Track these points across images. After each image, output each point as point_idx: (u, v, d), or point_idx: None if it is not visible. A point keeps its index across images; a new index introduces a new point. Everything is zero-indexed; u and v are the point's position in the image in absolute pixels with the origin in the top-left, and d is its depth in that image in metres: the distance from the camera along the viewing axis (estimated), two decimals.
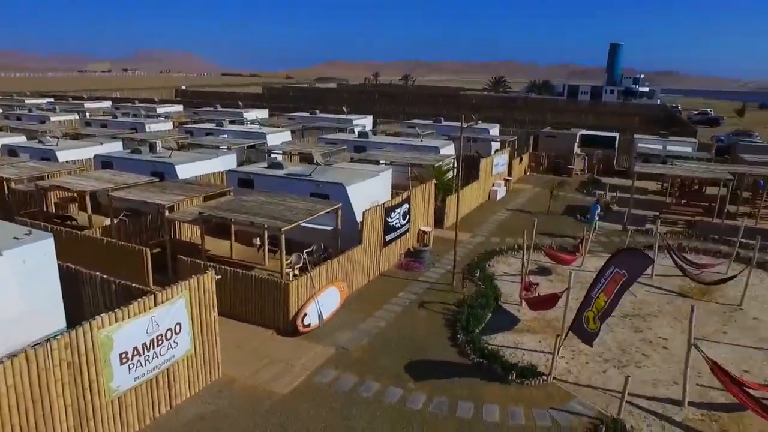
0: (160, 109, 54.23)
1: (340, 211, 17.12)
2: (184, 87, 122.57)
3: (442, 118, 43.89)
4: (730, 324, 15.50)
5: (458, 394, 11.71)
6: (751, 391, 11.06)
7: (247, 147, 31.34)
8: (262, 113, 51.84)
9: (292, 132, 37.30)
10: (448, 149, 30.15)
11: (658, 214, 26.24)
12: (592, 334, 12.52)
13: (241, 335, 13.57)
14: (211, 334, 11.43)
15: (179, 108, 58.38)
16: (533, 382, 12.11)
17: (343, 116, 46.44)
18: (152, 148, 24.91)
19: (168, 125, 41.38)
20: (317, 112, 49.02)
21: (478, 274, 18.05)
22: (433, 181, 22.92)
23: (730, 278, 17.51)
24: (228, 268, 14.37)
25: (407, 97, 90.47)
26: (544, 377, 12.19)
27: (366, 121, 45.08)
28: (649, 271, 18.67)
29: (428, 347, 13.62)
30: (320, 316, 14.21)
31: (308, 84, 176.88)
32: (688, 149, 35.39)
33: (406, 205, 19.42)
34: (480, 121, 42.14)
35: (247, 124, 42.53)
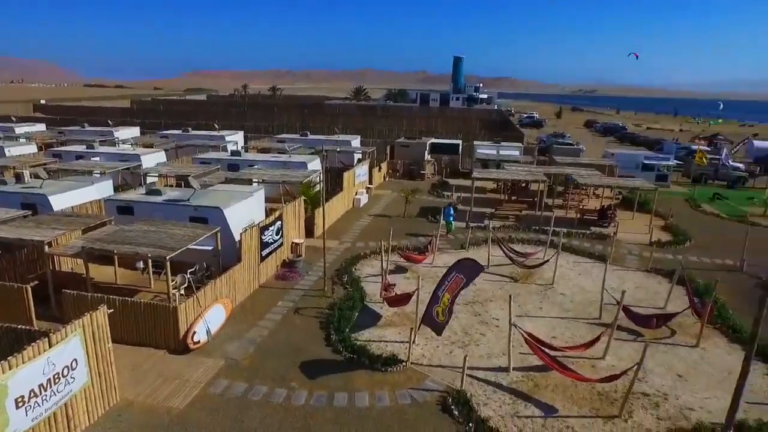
0: (19, 129, 48.39)
1: (219, 234, 17.57)
2: (43, 101, 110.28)
3: (308, 132, 44.76)
4: (545, 300, 18.36)
5: (334, 387, 12.96)
6: (554, 353, 13.62)
7: (122, 170, 29.91)
8: (134, 131, 49.00)
9: (166, 151, 36.11)
10: (315, 164, 31.18)
11: (493, 211, 29.55)
12: (441, 325, 14.43)
13: (136, 358, 13.69)
14: (107, 363, 11.57)
15: (41, 127, 52.51)
16: (395, 368, 13.71)
17: (215, 132, 45.48)
18: (19, 178, 23.15)
19: (31, 148, 37.84)
20: (190, 129, 47.40)
21: (346, 278, 19.41)
22: (302, 197, 23.91)
23: (545, 262, 20.54)
24: (117, 297, 14.31)
25: (276, 109, 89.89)
26: (404, 363, 13.85)
27: (238, 137, 44.60)
28: (485, 261, 21.36)
29: (306, 349, 14.71)
30: (208, 332, 14.70)
31: (177, 96, 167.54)
32: (516, 153, 39.72)
33: (279, 222, 20.25)
34: (340, 132, 43.86)
35: (119, 144, 40.26)
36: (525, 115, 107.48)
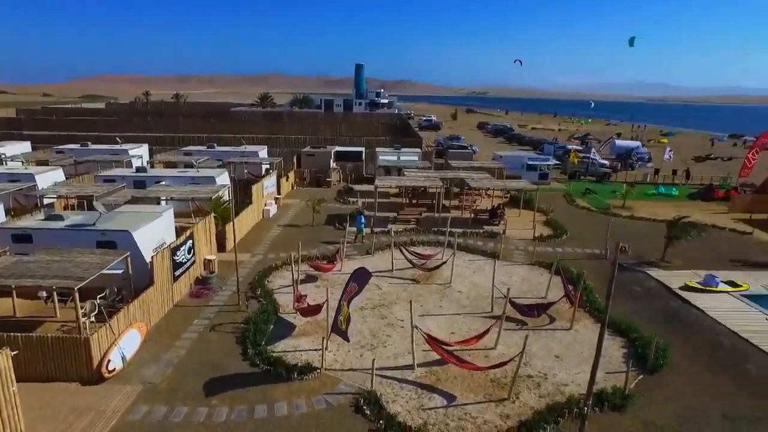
0: None
1: (129, 258, 16.97)
2: None
3: (215, 144, 43.56)
4: (444, 299, 19.58)
5: (254, 400, 13.16)
6: (451, 348, 14.73)
7: (13, 192, 26.50)
8: (23, 146, 44.89)
9: (63, 168, 33.45)
10: (224, 178, 30.58)
11: (396, 215, 30.65)
12: (345, 333, 15.05)
13: (45, 395, 12.97)
14: (11, 408, 10.89)
15: None
16: (310, 376, 14.15)
17: (118, 146, 42.74)
18: None
19: None
20: (89, 143, 44.13)
21: (259, 291, 19.45)
22: (213, 214, 23.49)
23: (442, 264, 21.82)
24: (19, 334, 13.44)
25: (181, 117, 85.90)
26: (318, 370, 14.33)
27: (142, 151, 42.30)
28: (390, 266, 22.31)
29: (225, 365, 14.72)
30: (123, 359, 14.27)
31: (72, 104, 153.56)
32: (415, 158, 41.30)
33: (190, 241, 19.86)
34: (247, 144, 43.12)
35: (6, 163, 36.73)
36: (424, 119, 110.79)
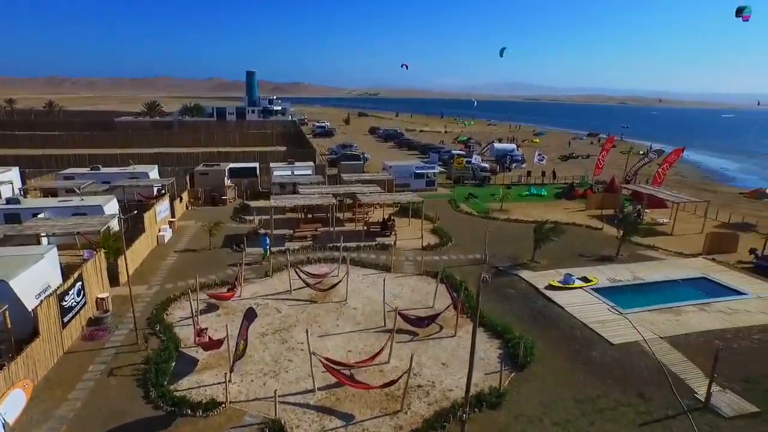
0: None
1: (7, 312, 15.79)
2: None
3: (100, 166, 40.76)
4: (341, 317, 20.46)
5: None
6: (348, 368, 15.69)
7: None
8: None
9: None
10: (112, 205, 28.91)
11: (292, 232, 30.96)
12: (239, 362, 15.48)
13: None
14: None
15: None
16: (216, 411, 14.34)
17: None
18: None
19: None
20: None
21: (158, 327, 18.95)
22: (103, 250, 22.27)
23: (338, 283, 22.65)
24: None
25: (57, 132, 78.15)
26: (223, 405, 14.56)
27: (12, 176, 38.04)
28: (288, 287, 22.80)
29: (126, 411, 14.37)
30: (5, 425, 13.32)
31: None
32: (309, 172, 41.79)
33: (79, 283, 18.87)
34: (136, 164, 40.94)
35: None
36: (317, 125, 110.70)
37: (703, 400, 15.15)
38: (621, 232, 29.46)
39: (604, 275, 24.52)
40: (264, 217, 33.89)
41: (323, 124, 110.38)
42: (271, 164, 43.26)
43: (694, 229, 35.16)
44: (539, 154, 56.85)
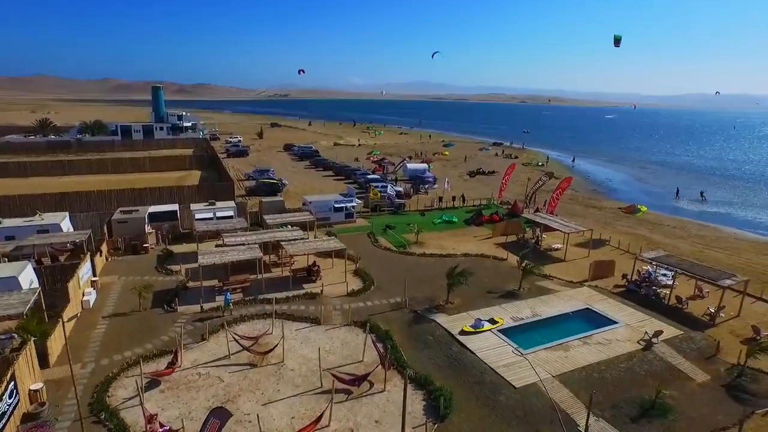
0: None
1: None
2: None
3: (1, 219, 38.29)
4: (280, 381, 22.15)
5: None
6: None
7: None
8: None
9: None
10: (27, 273, 27.62)
11: (221, 285, 31.73)
12: None
13: None
14: None
15: None
16: None
17: None
18: None
19: None
20: None
21: (103, 414, 19.16)
22: (31, 339, 21.50)
23: (275, 346, 24.09)
24: None
25: None
26: None
27: None
28: (226, 352, 24.06)
29: None
30: None
31: None
32: (230, 213, 42.42)
33: (12, 384, 18.45)
34: (42, 213, 39.12)
35: None
36: (230, 142, 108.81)
37: (582, 430, 18.84)
38: (523, 263, 33.55)
39: (508, 314, 28.24)
40: (190, 265, 34.29)
41: (237, 142, 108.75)
42: (192, 207, 43.28)
43: (583, 252, 40.54)
44: (448, 181, 61.18)
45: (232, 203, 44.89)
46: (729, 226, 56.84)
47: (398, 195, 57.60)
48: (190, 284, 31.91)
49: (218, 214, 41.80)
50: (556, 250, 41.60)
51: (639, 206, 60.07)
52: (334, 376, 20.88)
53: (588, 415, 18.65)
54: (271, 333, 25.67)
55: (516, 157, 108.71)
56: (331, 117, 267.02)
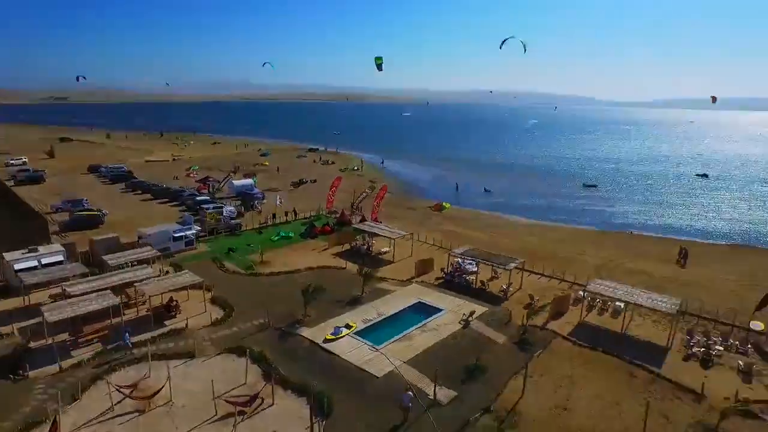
0: None
1: None
2: None
3: None
4: (175, 419, 23.82)
5: None
6: None
7: None
8: None
9: None
10: None
11: (74, 339, 30.66)
12: None
13: None
14: None
15: None
16: None
17: None
18: None
19: None
20: None
21: None
22: None
23: (161, 388, 25.06)
24: None
25: None
26: None
27: None
28: (107, 406, 24.69)
29: None
30: None
31: None
32: (60, 258, 39.74)
33: None
34: None
35: None
36: (14, 167, 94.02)
37: (432, 398, 25.12)
38: (363, 271, 39.32)
39: (359, 318, 33.66)
40: (26, 323, 32.24)
41: (23, 165, 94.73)
42: (6, 257, 39.11)
43: (407, 252, 48.25)
44: (279, 198, 64.63)
45: (59, 246, 41.91)
46: (509, 214, 71.67)
47: (232, 218, 59.01)
48: (32, 344, 30.27)
49: (44, 261, 38.99)
50: (386, 253, 48.67)
51: (444, 204, 71.65)
52: (227, 401, 23.63)
53: (435, 386, 24.93)
54: (149, 376, 26.83)
55: (333, 163, 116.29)
56: (130, 125, 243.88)
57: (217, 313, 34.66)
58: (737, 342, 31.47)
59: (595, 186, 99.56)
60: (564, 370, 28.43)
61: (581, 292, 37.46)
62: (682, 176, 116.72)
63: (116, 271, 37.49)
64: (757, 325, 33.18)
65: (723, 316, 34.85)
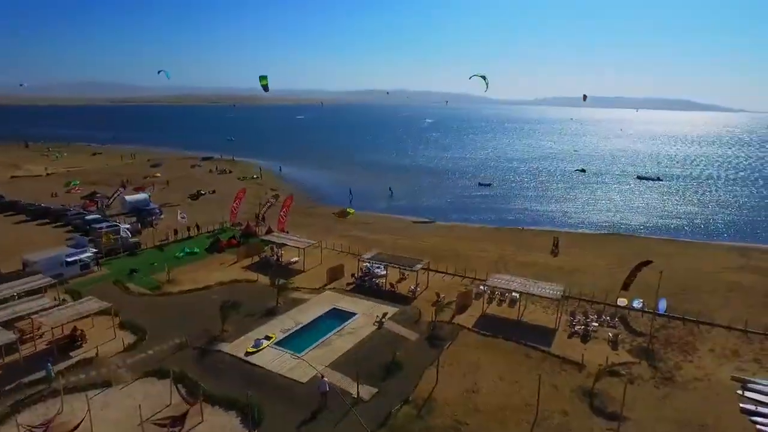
0: None
1: None
2: None
3: None
4: None
5: None
6: None
7: None
8: None
9: None
10: None
11: None
12: None
13: None
14: None
15: None
16: None
17: None
18: None
19: None
20: None
21: None
22: None
23: (80, 422, 25.10)
24: None
25: None
26: None
27: None
28: None
29: None
30: None
31: None
32: None
33: None
34: None
35: None
36: None
37: (356, 396, 27.78)
38: (276, 282, 40.94)
39: (277, 328, 35.37)
40: None
41: None
42: None
43: (317, 260, 50.45)
44: (181, 213, 63.53)
45: None
46: (409, 216, 76.40)
47: (131, 236, 57.17)
48: None
49: None
50: (296, 263, 50.48)
51: (348, 209, 74.63)
52: (155, 424, 24.43)
53: (357, 385, 27.58)
54: (62, 411, 26.57)
55: (230, 172, 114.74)
56: None
57: (128, 337, 34.44)
58: (608, 318, 37.77)
59: (489, 185, 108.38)
60: (471, 358, 32.48)
61: (482, 287, 42.26)
62: (564, 172, 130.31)
63: (3, 305, 35.54)
64: (622, 301, 39.93)
65: (598, 297, 41.32)
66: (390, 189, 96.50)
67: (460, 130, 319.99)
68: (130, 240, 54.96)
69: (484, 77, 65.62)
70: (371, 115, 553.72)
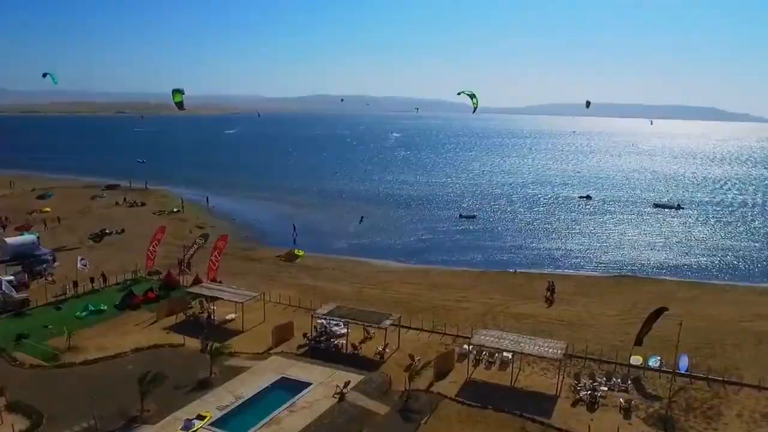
0: None
1: None
2: None
3: None
4: None
5: None
6: None
7: None
8: None
9: None
10: None
11: None
12: None
13: None
14: None
15: None
16: None
17: None
18: None
19: None
20: None
21: None
22: None
23: None
24: None
25: None
26: None
27: None
28: None
29: None
30: None
31: None
32: None
33: None
34: None
35: None
36: None
37: None
38: (208, 346, 41.87)
39: (212, 405, 36.29)
40: None
41: None
42: None
43: (259, 317, 51.54)
44: (82, 260, 63.65)
45: None
46: (378, 259, 78.46)
47: (16, 290, 56.90)
48: None
49: None
50: (232, 321, 51.45)
51: (296, 251, 76.21)
52: None
53: None
54: None
55: (143, 204, 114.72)
56: None
57: (19, 423, 34.66)
58: (619, 380, 40.22)
59: (473, 217, 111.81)
60: None
61: (466, 346, 44.23)
62: (566, 200, 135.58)
63: None
64: (636, 359, 42.55)
65: (606, 355, 43.86)
66: (361, 217, 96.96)
67: (436, 147, 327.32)
68: (15, 296, 54.77)
69: (472, 95, 68.32)
70: (323, 128, 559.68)
